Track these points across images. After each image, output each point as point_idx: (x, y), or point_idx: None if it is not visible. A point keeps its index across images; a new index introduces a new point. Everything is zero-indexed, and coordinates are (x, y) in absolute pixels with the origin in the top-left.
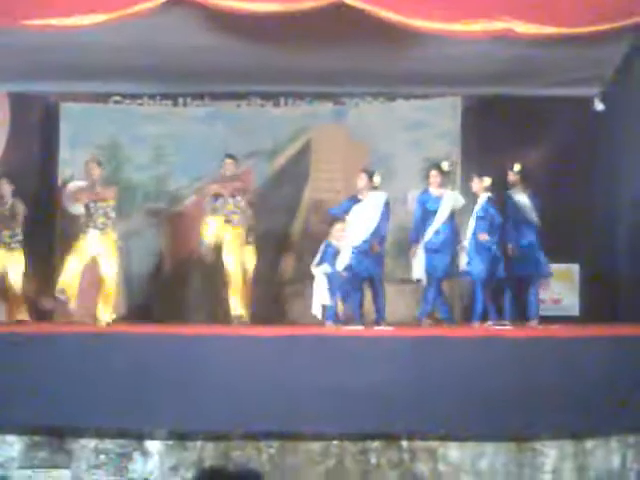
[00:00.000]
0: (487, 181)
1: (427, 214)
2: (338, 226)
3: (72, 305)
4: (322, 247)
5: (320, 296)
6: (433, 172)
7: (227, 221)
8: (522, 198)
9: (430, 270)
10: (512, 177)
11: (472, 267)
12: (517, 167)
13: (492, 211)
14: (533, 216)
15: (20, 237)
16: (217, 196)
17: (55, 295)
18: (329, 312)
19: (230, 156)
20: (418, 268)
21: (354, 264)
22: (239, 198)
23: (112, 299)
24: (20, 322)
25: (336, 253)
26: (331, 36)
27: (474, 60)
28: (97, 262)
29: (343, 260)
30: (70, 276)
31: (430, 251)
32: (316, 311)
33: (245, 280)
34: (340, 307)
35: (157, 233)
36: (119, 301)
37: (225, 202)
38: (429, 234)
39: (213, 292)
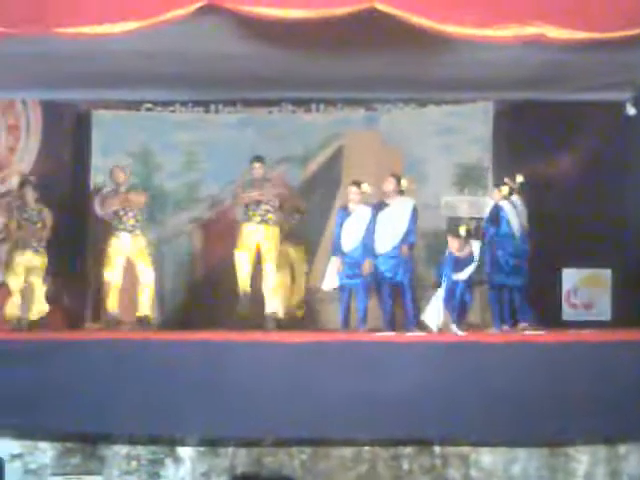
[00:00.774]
0: (505, 190)
1: None
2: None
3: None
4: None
5: (435, 307)
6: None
7: (263, 221)
8: (521, 207)
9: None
10: (513, 187)
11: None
12: (519, 179)
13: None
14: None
15: (44, 242)
16: (258, 202)
17: (108, 312)
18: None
19: (258, 159)
20: None
21: (383, 270)
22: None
23: (152, 295)
24: (36, 322)
25: (457, 263)
26: (363, 42)
27: (506, 65)
28: (132, 264)
29: (370, 267)
30: (114, 288)
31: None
32: (429, 322)
33: (296, 281)
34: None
35: (190, 240)
36: (152, 308)
37: (259, 203)
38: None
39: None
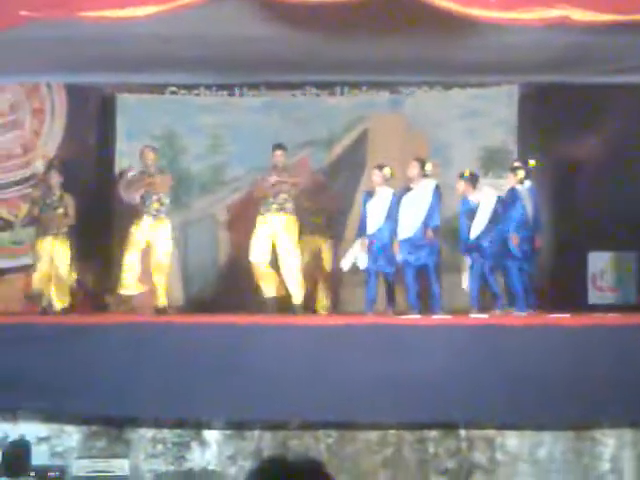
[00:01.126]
0: (520, 174)
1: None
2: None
3: (136, 294)
4: None
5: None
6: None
7: (281, 209)
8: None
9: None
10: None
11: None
12: (532, 162)
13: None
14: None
15: (65, 228)
16: (276, 192)
17: (121, 292)
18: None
19: (279, 146)
20: None
21: (407, 253)
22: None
23: (165, 285)
24: (64, 310)
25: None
26: (387, 25)
27: (530, 48)
28: (151, 248)
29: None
30: (131, 270)
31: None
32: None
33: (324, 270)
34: None
35: (215, 223)
36: (177, 291)
37: (277, 191)
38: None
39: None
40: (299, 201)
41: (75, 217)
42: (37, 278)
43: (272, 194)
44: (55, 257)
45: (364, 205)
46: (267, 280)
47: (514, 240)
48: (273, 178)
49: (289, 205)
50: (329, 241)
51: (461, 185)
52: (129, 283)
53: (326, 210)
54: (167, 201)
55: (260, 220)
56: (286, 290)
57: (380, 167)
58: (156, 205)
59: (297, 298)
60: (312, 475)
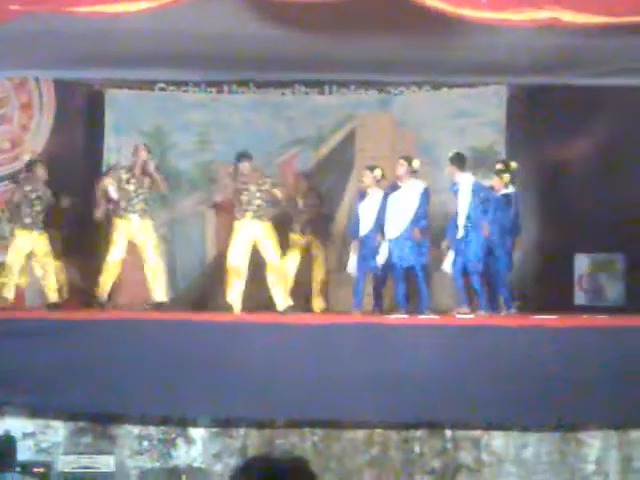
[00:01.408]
0: (506, 177)
1: None
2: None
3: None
4: None
5: None
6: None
7: (256, 216)
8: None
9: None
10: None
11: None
12: (514, 165)
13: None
14: None
15: (41, 224)
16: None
17: (97, 296)
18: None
19: (245, 156)
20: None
21: (395, 253)
22: (263, 192)
23: (162, 279)
24: (53, 305)
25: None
26: (377, 24)
27: (520, 49)
28: (141, 247)
29: (382, 250)
30: (111, 271)
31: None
32: None
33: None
34: None
35: (202, 220)
36: (163, 288)
37: (252, 197)
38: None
39: (258, 280)
40: (284, 202)
41: (60, 212)
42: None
43: (245, 202)
44: (37, 252)
45: (356, 207)
46: (236, 285)
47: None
48: (237, 184)
49: (262, 212)
50: (317, 242)
51: (449, 168)
52: (108, 284)
53: (312, 210)
54: (151, 201)
55: (237, 225)
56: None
57: (371, 168)
58: (141, 205)
59: (281, 305)
60: (296, 473)
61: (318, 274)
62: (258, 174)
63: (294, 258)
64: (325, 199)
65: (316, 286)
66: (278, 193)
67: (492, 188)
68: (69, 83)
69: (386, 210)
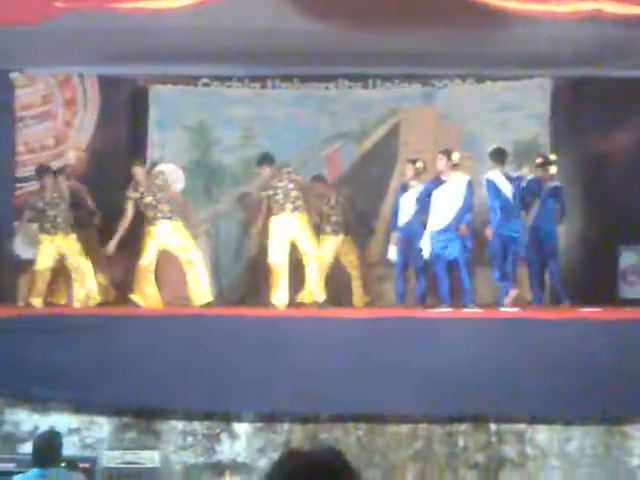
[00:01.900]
0: (553, 169)
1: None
2: None
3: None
4: None
5: None
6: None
7: (295, 209)
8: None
9: None
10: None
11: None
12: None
13: (560, 199)
14: None
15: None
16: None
17: (132, 298)
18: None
19: (265, 159)
20: None
21: (438, 247)
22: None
23: (206, 279)
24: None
25: None
26: (420, 17)
27: (563, 41)
28: (175, 251)
29: (424, 243)
30: (146, 276)
31: None
32: None
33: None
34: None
35: (246, 216)
36: (207, 284)
37: (285, 192)
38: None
39: (300, 275)
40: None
41: (99, 210)
42: (35, 275)
43: (282, 195)
44: (66, 254)
45: (398, 199)
46: (281, 283)
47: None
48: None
49: (300, 203)
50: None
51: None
52: (142, 292)
53: (341, 210)
54: (175, 203)
55: (274, 222)
56: (310, 288)
57: (413, 161)
58: (168, 207)
59: (320, 296)
60: (332, 465)
61: (353, 270)
62: (281, 174)
63: (326, 256)
64: (369, 192)
65: (355, 282)
66: (302, 181)
67: (539, 180)
68: (113, 79)
69: (431, 204)
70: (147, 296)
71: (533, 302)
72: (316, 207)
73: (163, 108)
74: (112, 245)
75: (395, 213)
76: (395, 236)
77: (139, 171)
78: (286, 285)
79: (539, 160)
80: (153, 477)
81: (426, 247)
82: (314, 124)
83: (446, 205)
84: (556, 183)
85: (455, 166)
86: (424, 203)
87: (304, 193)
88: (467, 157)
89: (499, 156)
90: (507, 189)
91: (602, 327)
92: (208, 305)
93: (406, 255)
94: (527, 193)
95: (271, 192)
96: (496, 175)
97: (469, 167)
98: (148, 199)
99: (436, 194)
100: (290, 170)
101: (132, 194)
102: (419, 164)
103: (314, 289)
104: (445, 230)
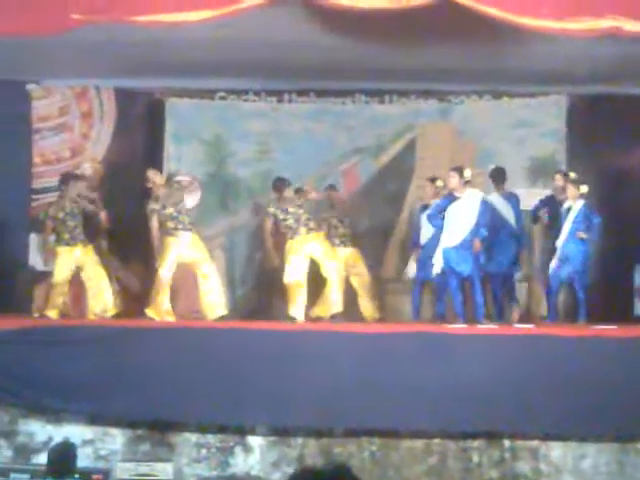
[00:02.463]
0: (583, 188)
1: None
2: None
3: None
4: None
5: None
6: None
7: (309, 230)
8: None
9: None
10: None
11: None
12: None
13: (589, 214)
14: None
15: (81, 235)
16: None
17: (148, 313)
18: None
19: (283, 180)
20: None
21: (452, 263)
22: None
23: (221, 292)
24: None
25: None
26: (437, 33)
27: (580, 58)
28: (192, 264)
29: (439, 260)
30: (162, 290)
31: None
32: None
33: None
34: None
35: (260, 229)
36: (221, 297)
37: (297, 216)
38: None
39: (316, 289)
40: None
41: (110, 222)
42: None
43: (293, 221)
44: (83, 265)
45: (419, 217)
46: (299, 300)
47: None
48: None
49: (313, 224)
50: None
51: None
52: (160, 305)
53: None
54: (193, 215)
55: (291, 244)
56: (327, 300)
57: (432, 180)
58: (188, 219)
59: (337, 307)
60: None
61: (360, 285)
62: (293, 196)
63: (337, 269)
64: (384, 207)
65: (362, 297)
66: (313, 194)
67: (567, 198)
68: (129, 92)
69: (443, 219)
70: (162, 310)
71: (547, 319)
72: (324, 219)
73: (179, 121)
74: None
75: (416, 231)
76: (416, 253)
77: (158, 181)
78: (304, 301)
79: (562, 179)
80: None
81: (438, 263)
82: (331, 139)
83: (460, 221)
84: (582, 201)
85: (467, 183)
86: (437, 220)
87: (314, 211)
88: (482, 173)
89: (499, 176)
90: (507, 211)
91: (617, 344)
92: (222, 319)
93: (425, 272)
94: (545, 210)
95: (281, 216)
96: (494, 197)
97: (485, 183)
98: (170, 210)
99: (450, 211)
100: (301, 195)
101: (154, 205)
102: (439, 182)
103: (334, 301)
104: (459, 247)
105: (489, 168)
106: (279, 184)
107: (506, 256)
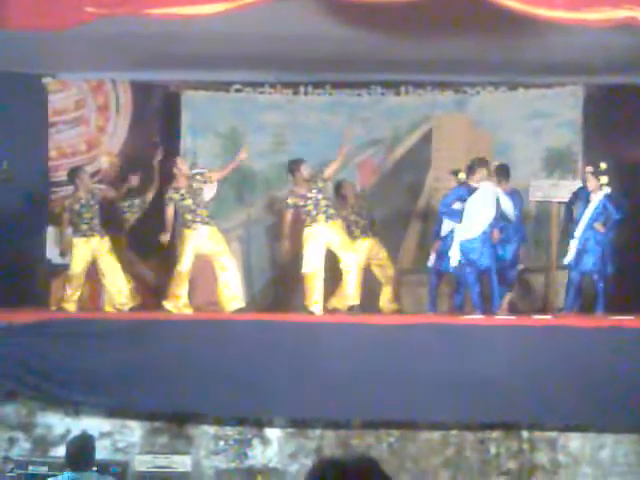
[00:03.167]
0: (604, 179)
1: None
2: None
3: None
4: None
5: None
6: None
7: (328, 218)
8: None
9: None
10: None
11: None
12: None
13: (610, 208)
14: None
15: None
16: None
17: (166, 306)
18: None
19: (302, 161)
20: None
21: (473, 255)
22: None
23: (239, 285)
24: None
25: None
26: (452, 24)
27: (596, 49)
28: (210, 256)
29: (456, 251)
30: (181, 282)
31: None
32: None
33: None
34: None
35: (278, 221)
36: (239, 290)
37: (316, 202)
38: None
39: (333, 280)
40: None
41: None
42: (70, 279)
43: (313, 206)
44: (99, 257)
45: (441, 209)
46: (317, 290)
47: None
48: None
49: (332, 211)
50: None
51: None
52: (178, 298)
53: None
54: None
55: (308, 232)
56: (344, 292)
57: (455, 172)
58: (206, 212)
59: (355, 299)
60: (369, 475)
61: (383, 275)
62: (310, 179)
63: (358, 261)
64: (400, 198)
65: (386, 286)
66: (329, 171)
67: (587, 189)
68: (145, 85)
69: (464, 213)
70: (180, 303)
71: (564, 310)
72: (342, 217)
73: (195, 114)
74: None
75: (438, 223)
76: (437, 245)
77: (185, 171)
78: (321, 292)
79: (589, 169)
80: None
81: (455, 255)
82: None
83: (478, 213)
84: (603, 193)
85: (489, 175)
86: (452, 209)
87: (333, 200)
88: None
89: (502, 173)
90: (509, 207)
91: (635, 335)
92: (239, 311)
93: (444, 264)
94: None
95: (301, 203)
96: (499, 193)
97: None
98: (188, 202)
99: (469, 203)
100: (319, 180)
101: (173, 195)
102: (461, 175)
103: (352, 293)
104: (477, 239)
105: (493, 165)
106: (294, 165)
107: (508, 251)
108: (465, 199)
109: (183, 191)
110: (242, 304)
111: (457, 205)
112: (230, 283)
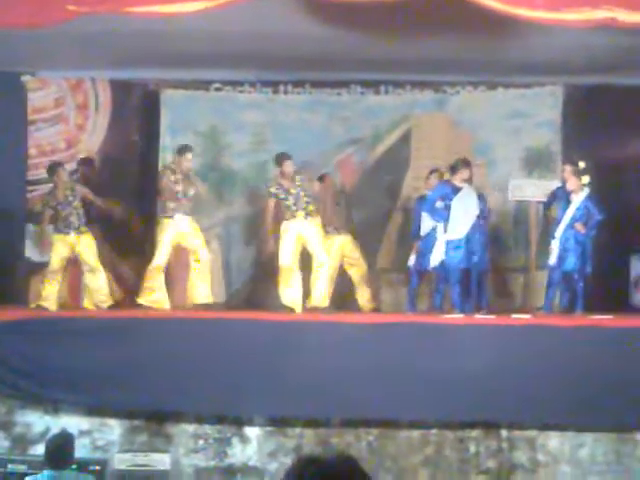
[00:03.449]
0: (585, 179)
1: None
2: None
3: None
4: None
5: None
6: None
7: (307, 214)
8: None
9: None
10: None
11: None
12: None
13: (592, 209)
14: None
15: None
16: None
17: (139, 301)
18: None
19: (288, 156)
20: None
21: (457, 255)
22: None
23: (209, 280)
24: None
25: None
26: (432, 24)
27: (575, 49)
28: (189, 249)
29: (440, 250)
30: (155, 276)
31: None
32: None
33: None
34: None
35: (257, 219)
36: (218, 287)
37: (297, 197)
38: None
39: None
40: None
41: (109, 211)
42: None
43: (293, 202)
44: (78, 254)
45: (417, 208)
46: (292, 285)
47: None
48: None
49: (312, 208)
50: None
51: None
52: (151, 292)
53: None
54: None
55: (286, 226)
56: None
57: (435, 170)
58: (190, 205)
59: (323, 302)
60: (348, 473)
61: (356, 273)
62: (293, 176)
63: (333, 258)
64: (379, 198)
65: (359, 285)
66: (315, 186)
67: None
68: (125, 83)
69: (449, 211)
70: (155, 299)
71: (544, 310)
72: (319, 207)
73: (175, 113)
74: None
75: (416, 223)
76: (416, 245)
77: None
78: (298, 286)
79: (569, 168)
80: None
81: (439, 255)
82: (326, 130)
83: (461, 214)
84: (584, 193)
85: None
86: (436, 207)
87: (314, 197)
88: (479, 164)
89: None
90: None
91: (614, 334)
92: (207, 307)
93: (424, 263)
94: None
95: (282, 195)
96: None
97: (481, 174)
98: (178, 187)
99: (454, 203)
100: (302, 177)
101: (171, 176)
102: (443, 173)
103: (319, 295)
104: (462, 239)
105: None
106: (280, 157)
107: (475, 252)
108: (449, 197)
109: (179, 176)
110: (210, 300)
111: (439, 204)
112: (202, 277)
